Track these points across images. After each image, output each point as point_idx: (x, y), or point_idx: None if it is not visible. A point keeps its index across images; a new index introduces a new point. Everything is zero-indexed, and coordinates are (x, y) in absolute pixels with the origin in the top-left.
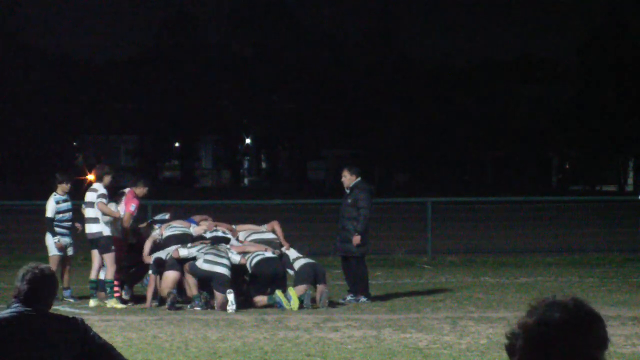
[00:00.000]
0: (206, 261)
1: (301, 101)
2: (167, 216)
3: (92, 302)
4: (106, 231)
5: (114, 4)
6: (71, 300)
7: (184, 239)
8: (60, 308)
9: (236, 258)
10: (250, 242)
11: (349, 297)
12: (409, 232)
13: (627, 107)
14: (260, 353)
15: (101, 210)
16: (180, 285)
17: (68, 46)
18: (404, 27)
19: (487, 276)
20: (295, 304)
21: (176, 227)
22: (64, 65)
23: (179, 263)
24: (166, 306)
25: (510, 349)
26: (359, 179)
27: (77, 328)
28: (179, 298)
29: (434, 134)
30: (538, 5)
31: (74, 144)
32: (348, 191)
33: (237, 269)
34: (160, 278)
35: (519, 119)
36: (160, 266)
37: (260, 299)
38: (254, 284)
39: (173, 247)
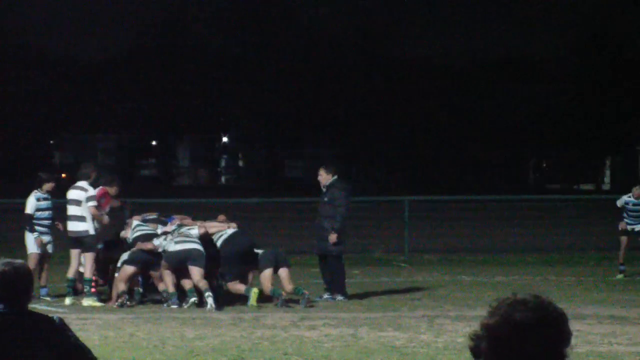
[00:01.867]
0: (177, 242)
1: (299, 101)
2: (153, 216)
3: (68, 300)
4: (92, 230)
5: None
6: (48, 298)
7: (151, 240)
8: (37, 306)
9: (195, 232)
10: (214, 223)
11: (325, 296)
12: (386, 230)
13: (627, 107)
14: (237, 351)
15: (93, 215)
16: (148, 281)
17: (49, 45)
18: (404, 27)
19: (464, 275)
20: (252, 301)
21: (143, 229)
22: (42, 63)
23: (145, 263)
24: (116, 305)
25: (475, 350)
26: (335, 177)
27: (56, 327)
28: (146, 297)
29: (433, 134)
30: (537, 5)
31: (51, 142)
32: (324, 189)
33: (208, 259)
34: None
35: (503, 118)
36: None
37: (237, 287)
38: (226, 266)
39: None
